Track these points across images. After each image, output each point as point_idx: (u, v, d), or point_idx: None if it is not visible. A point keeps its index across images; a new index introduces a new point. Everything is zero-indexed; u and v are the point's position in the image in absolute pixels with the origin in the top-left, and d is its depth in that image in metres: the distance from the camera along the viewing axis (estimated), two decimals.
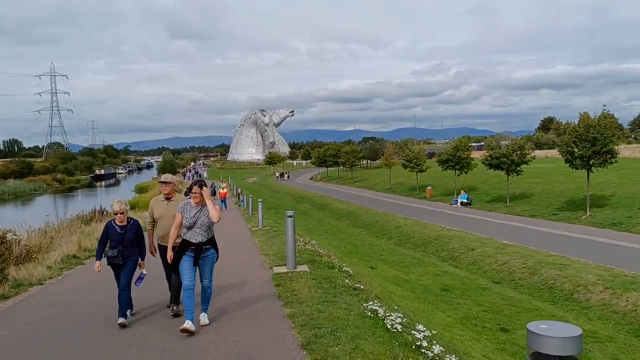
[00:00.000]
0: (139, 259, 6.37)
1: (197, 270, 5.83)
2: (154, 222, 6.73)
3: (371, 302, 5.79)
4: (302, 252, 9.85)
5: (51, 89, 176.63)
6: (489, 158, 30.58)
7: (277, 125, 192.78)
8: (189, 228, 5.65)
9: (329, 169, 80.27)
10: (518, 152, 29.76)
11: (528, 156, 29.89)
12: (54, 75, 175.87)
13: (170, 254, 5.80)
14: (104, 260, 6.21)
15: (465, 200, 33.29)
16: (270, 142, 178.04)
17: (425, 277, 14.28)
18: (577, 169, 24.54)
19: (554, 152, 56.57)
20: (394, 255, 18.17)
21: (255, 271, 8.43)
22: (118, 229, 6.13)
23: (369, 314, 5.35)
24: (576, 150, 23.70)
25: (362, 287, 7.17)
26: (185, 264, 5.66)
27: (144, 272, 6.43)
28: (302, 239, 12.75)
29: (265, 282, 7.41)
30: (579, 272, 13.75)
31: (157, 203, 6.79)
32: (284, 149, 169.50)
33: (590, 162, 23.65)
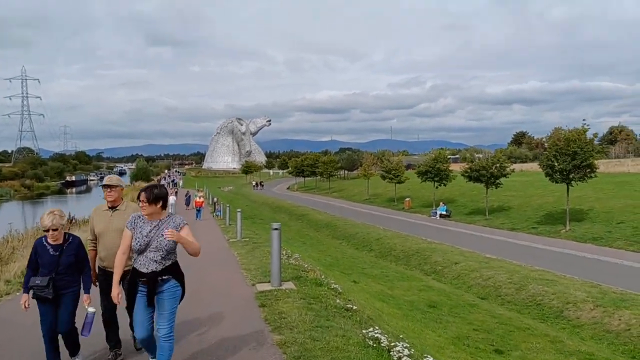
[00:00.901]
0: (82, 291, 4.65)
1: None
2: (95, 239, 5.06)
3: (371, 329, 5.19)
4: (285, 267, 9.23)
5: (22, 93, 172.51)
6: (469, 170, 30.46)
7: (253, 134, 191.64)
8: (140, 252, 4.02)
9: (306, 178, 79.71)
10: (497, 165, 29.73)
11: (507, 169, 29.88)
12: (26, 79, 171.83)
13: (116, 292, 4.07)
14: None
15: (444, 212, 33.10)
16: (247, 151, 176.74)
17: (411, 292, 13.76)
18: (557, 182, 24.49)
19: (529, 166, 57.37)
20: (376, 269, 17.63)
21: (237, 288, 7.75)
22: (50, 250, 4.47)
23: (370, 342, 4.76)
24: (556, 164, 23.65)
25: (354, 307, 6.58)
26: (136, 306, 4.07)
27: (91, 310, 4.53)
28: (284, 252, 12.11)
29: (248, 302, 6.73)
30: (567, 288, 13.42)
31: (98, 214, 5.09)
32: (260, 158, 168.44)
33: (570, 176, 23.62)
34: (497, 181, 29.75)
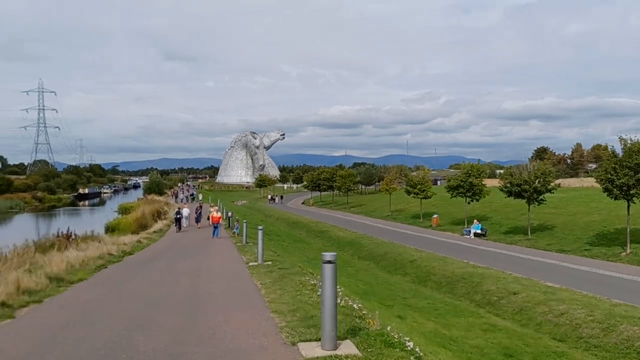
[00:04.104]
0: None
1: None
2: None
3: None
4: None
5: (38, 105, 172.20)
6: (509, 185, 27.69)
7: (267, 148, 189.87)
8: None
9: (322, 193, 77.17)
10: (541, 179, 26.92)
11: (552, 184, 27.05)
12: (42, 92, 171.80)
13: None
14: None
15: (478, 231, 30.27)
16: (260, 165, 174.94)
17: (473, 333, 11.11)
18: (616, 199, 21.67)
19: (559, 182, 54.09)
20: (419, 299, 14.99)
21: (268, 351, 5.21)
22: None
23: None
24: (616, 178, 20.89)
25: None
26: None
27: None
28: (312, 280, 9.57)
29: None
30: None
31: None
32: (273, 172, 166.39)
33: (632, 192, 20.82)
34: (541, 197, 26.96)
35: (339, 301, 7.55)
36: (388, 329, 6.02)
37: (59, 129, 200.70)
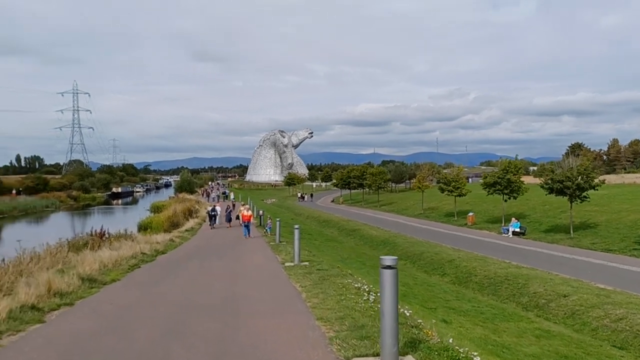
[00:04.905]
0: None
1: None
2: None
3: None
4: (376, 314, 6.03)
5: (73, 106, 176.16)
6: (550, 181, 26.53)
7: (295, 146, 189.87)
8: None
9: (352, 191, 76.47)
10: (584, 176, 25.68)
11: (596, 180, 25.79)
12: (77, 93, 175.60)
13: None
14: None
15: (517, 230, 29.16)
16: (289, 164, 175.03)
17: (526, 339, 10.33)
18: None
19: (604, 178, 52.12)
20: (463, 301, 14.24)
21: None
22: None
23: None
24: None
25: None
26: None
27: None
28: (355, 283, 8.99)
29: None
30: None
31: None
32: (302, 170, 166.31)
33: None
34: (584, 194, 25.73)
35: None
36: (450, 341, 5.39)
37: (93, 129, 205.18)
